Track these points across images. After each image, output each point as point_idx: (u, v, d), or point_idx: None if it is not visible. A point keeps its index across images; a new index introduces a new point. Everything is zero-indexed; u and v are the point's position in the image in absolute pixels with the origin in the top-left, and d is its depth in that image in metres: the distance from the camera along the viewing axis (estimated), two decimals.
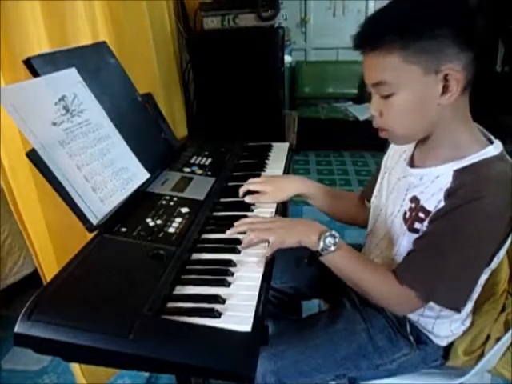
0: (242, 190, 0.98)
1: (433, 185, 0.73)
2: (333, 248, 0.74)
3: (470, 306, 0.84)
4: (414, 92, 0.67)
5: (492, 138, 0.74)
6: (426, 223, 0.73)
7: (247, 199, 0.96)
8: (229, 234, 0.81)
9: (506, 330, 0.82)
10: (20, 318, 0.60)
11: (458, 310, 0.72)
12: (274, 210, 0.96)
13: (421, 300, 0.72)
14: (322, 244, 0.74)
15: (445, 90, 0.66)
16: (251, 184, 0.99)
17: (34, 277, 1.07)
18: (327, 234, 0.74)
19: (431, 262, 0.70)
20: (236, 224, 0.82)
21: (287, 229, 0.77)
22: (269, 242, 0.75)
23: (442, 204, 0.70)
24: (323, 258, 0.76)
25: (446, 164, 0.72)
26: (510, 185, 0.66)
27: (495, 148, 0.70)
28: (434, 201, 0.72)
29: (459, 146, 0.71)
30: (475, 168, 0.69)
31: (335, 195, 1.06)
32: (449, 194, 0.70)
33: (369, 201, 0.97)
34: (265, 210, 0.96)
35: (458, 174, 0.70)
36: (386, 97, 0.69)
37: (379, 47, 0.66)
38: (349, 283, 0.79)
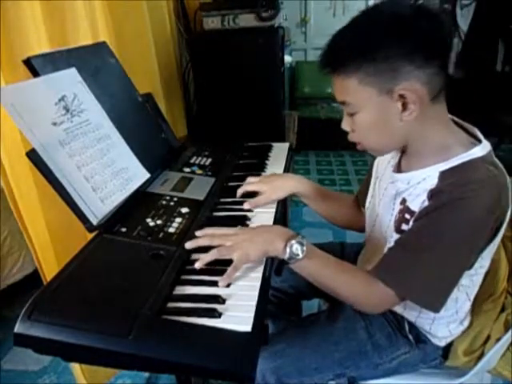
0: (239, 192, 0.98)
1: (419, 186, 0.73)
2: (301, 255, 0.71)
3: (468, 306, 0.84)
4: (373, 112, 0.69)
5: (481, 137, 0.73)
6: (410, 222, 0.74)
7: (245, 206, 0.93)
8: (188, 246, 0.76)
9: (506, 330, 0.82)
10: (20, 317, 0.60)
11: (435, 309, 0.71)
12: (274, 209, 0.96)
13: (396, 297, 0.71)
14: (288, 252, 0.71)
15: (404, 107, 0.67)
16: (248, 185, 0.98)
17: (34, 277, 1.07)
18: (294, 240, 0.71)
19: (408, 260, 0.70)
20: (198, 234, 0.78)
21: (250, 241, 0.73)
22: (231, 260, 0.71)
23: (426, 204, 0.70)
24: (293, 266, 0.73)
25: (431, 166, 0.72)
26: (494, 188, 0.66)
27: (482, 149, 0.70)
28: (418, 202, 0.72)
29: (442, 150, 0.71)
30: (460, 169, 0.69)
31: (330, 196, 1.06)
32: (432, 194, 0.70)
33: (363, 206, 0.97)
34: (265, 209, 0.96)
35: (443, 175, 0.70)
36: (352, 114, 0.72)
37: (337, 70, 0.69)
38: (322, 288, 0.77)
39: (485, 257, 0.75)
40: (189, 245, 0.76)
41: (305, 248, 0.71)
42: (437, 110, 0.70)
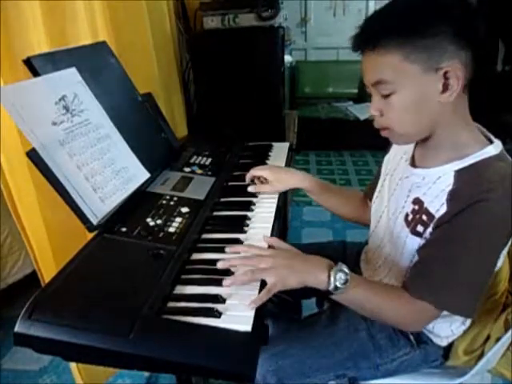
0: (248, 177, 1.04)
1: (435, 186, 0.73)
2: (346, 285, 0.67)
3: None
4: (415, 90, 0.67)
5: (492, 137, 0.74)
6: (429, 229, 0.72)
7: (250, 189, 1.01)
8: (220, 266, 0.71)
9: (506, 329, 0.82)
10: (20, 317, 0.60)
11: (470, 316, 0.72)
12: (274, 209, 0.96)
13: (436, 312, 0.71)
14: (332, 283, 0.67)
15: (445, 87, 0.66)
16: (257, 170, 1.03)
17: (35, 276, 1.07)
18: (337, 271, 0.68)
19: (441, 272, 0.69)
20: (228, 251, 0.75)
21: (290, 268, 0.69)
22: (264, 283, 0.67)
23: (445, 208, 0.70)
24: (336, 298, 0.70)
25: (446, 164, 0.71)
26: (508, 185, 0.66)
27: (495, 148, 0.70)
28: (436, 204, 0.71)
29: (459, 146, 0.71)
30: (475, 168, 0.69)
31: (336, 192, 1.07)
32: (451, 198, 0.69)
33: (372, 201, 0.97)
34: (265, 209, 0.96)
35: (458, 174, 0.70)
36: (387, 96, 0.69)
37: (378, 46, 0.66)
38: (363, 314, 0.78)
39: (502, 256, 0.75)
40: (221, 265, 0.71)
41: (348, 277, 0.68)
42: (462, 101, 0.70)
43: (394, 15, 0.67)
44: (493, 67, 3.28)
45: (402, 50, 0.64)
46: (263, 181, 1.04)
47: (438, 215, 0.71)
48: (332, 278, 0.67)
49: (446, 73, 0.64)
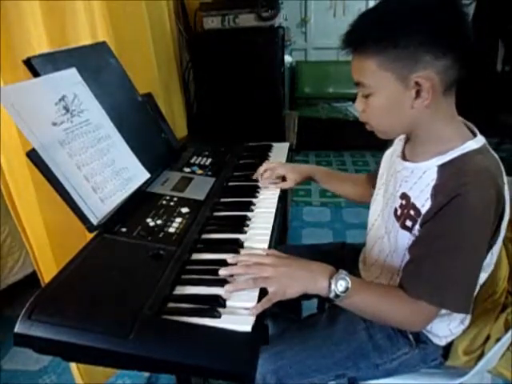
0: (261, 170, 1.08)
1: (420, 181, 0.74)
2: (347, 292, 0.68)
3: None
4: (388, 95, 0.70)
5: (476, 131, 0.75)
6: (417, 225, 0.73)
7: (270, 185, 1.07)
8: (222, 274, 0.71)
9: (506, 329, 0.82)
10: (20, 317, 0.60)
11: (466, 311, 0.71)
12: (274, 209, 0.96)
13: (434, 310, 0.71)
14: (333, 291, 0.68)
15: (418, 94, 0.68)
16: (272, 169, 1.08)
17: (35, 276, 1.07)
18: (337, 279, 0.68)
19: (432, 270, 0.70)
20: (230, 260, 0.74)
21: (290, 277, 0.69)
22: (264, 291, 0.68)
23: (430, 204, 0.71)
24: (339, 304, 0.71)
25: (431, 159, 0.73)
26: (489, 177, 0.67)
27: (476, 142, 0.71)
28: (422, 199, 0.73)
29: (442, 142, 0.72)
30: (455, 162, 0.70)
31: (343, 178, 1.15)
32: (435, 193, 0.70)
33: (373, 186, 0.98)
34: (264, 210, 0.96)
35: (441, 169, 0.71)
36: (366, 96, 0.73)
37: (358, 51, 0.70)
38: (365, 317, 0.79)
39: (494, 253, 0.76)
40: (222, 272, 0.71)
41: (349, 285, 0.68)
42: (447, 102, 0.71)
43: (372, 24, 0.69)
44: (493, 67, 3.28)
45: (378, 57, 0.68)
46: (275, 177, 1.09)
47: (423, 210, 0.72)
48: (333, 286, 0.68)
49: (417, 82, 0.66)
